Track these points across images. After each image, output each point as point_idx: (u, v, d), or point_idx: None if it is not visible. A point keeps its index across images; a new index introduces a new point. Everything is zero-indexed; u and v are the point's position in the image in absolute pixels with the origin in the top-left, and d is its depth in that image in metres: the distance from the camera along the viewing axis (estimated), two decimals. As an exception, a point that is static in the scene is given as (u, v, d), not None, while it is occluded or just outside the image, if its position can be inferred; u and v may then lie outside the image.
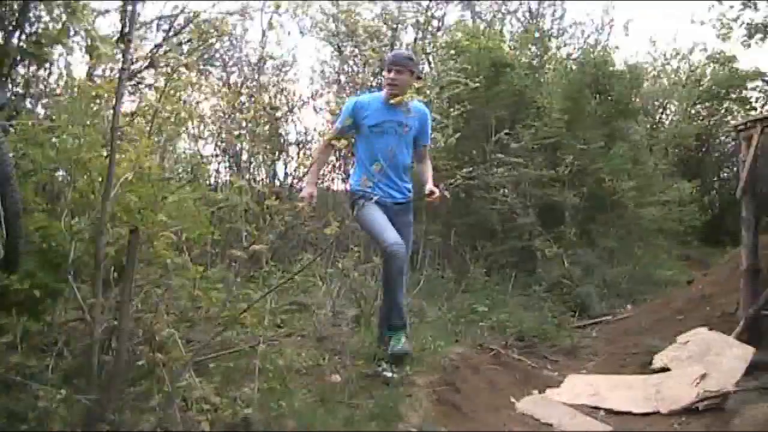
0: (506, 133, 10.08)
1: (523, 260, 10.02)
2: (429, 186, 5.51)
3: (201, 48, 8.34)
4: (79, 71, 5.69)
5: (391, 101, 5.41)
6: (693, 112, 19.17)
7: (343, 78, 10.73)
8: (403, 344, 5.30)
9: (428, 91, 8.58)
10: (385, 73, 5.75)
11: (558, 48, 14.55)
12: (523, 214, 10.06)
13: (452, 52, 10.75)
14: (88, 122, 4.45)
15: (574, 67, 13.06)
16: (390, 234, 5.23)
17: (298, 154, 9.92)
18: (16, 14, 4.51)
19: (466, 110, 9.19)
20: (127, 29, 4.38)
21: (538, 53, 13.07)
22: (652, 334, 7.91)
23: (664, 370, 6.48)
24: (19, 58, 4.56)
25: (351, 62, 10.69)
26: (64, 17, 4.53)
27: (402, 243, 5.24)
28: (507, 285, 9.32)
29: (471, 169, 9.49)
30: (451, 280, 9.07)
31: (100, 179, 4.18)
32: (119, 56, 4.51)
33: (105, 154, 4.24)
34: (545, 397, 6.13)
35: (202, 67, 8.94)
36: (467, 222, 10.24)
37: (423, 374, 5.61)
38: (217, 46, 9.68)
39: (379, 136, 5.49)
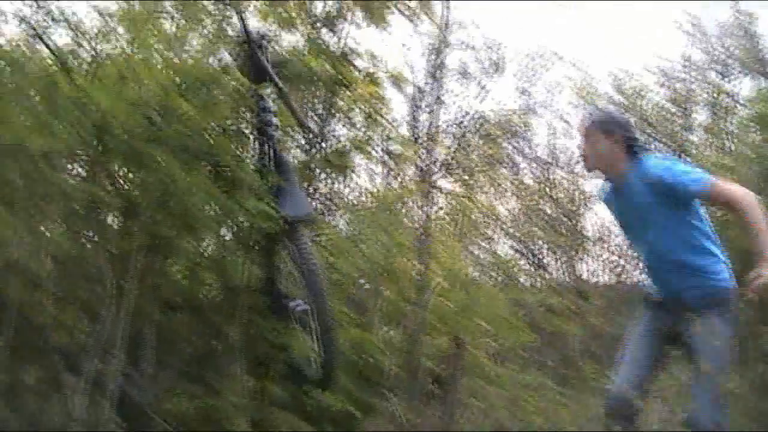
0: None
1: None
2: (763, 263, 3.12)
3: (492, 149, 8.26)
4: (375, 181, 5.66)
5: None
6: None
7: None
8: None
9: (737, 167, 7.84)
10: None
11: None
12: None
13: (754, 124, 9.90)
14: (392, 229, 4.33)
15: None
16: (618, 375, 3.55)
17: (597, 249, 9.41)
18: (317, 130, 4.54)
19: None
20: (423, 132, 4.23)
21: None
22: None
23: None
24: (321, 170, 4.53)
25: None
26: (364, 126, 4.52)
27: (627, 399, 3.39)
28: None
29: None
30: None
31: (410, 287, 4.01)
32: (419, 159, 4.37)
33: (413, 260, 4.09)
34: None
35: (494, 168, 8.86)
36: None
37: None
38: (505, 145, 9.58)
39: (627, 227, 3.92)
